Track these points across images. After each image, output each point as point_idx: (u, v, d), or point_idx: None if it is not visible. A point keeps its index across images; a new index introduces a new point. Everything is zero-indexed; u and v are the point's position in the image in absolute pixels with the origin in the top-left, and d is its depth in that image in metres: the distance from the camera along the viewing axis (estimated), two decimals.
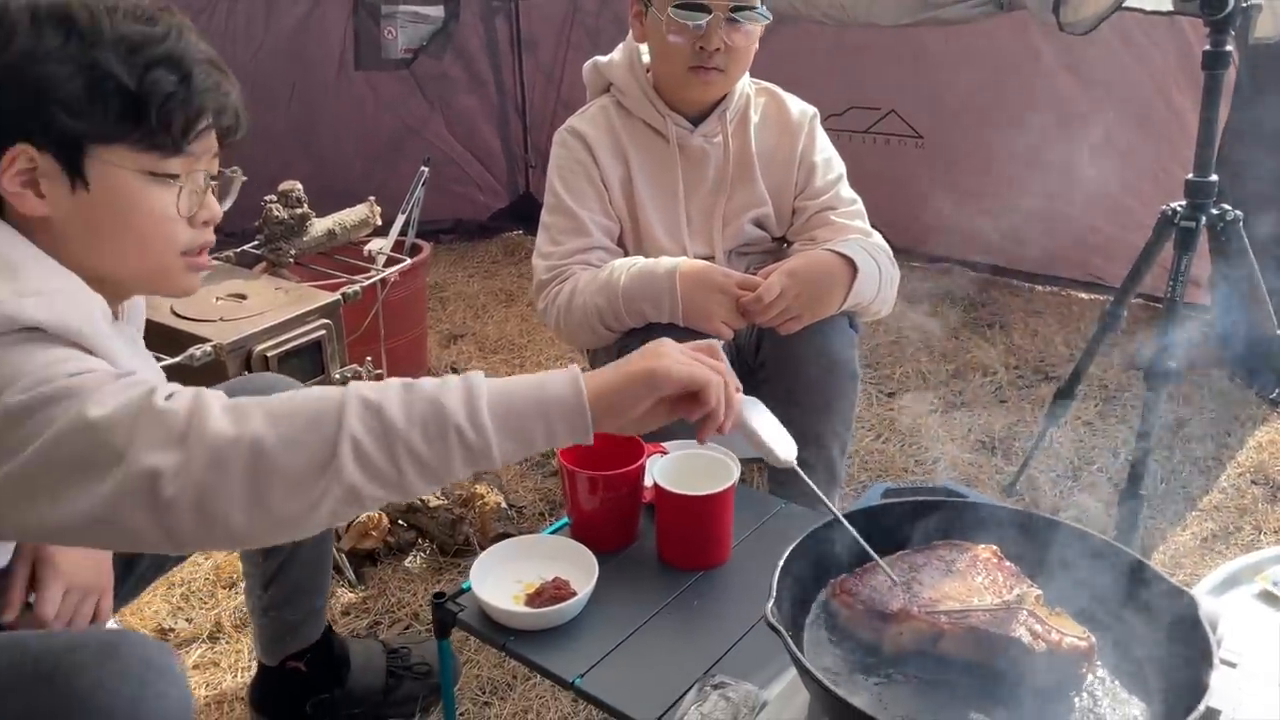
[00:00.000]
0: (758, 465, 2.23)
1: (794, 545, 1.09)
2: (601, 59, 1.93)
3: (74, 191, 1.02)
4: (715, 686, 1.12)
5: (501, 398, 0.95)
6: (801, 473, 1.16)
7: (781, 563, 1.06)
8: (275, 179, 2.26)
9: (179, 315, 1.86)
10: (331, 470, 0.88)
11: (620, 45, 1.91)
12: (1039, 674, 1.00)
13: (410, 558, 2.10)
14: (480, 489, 2.14)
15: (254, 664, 1.72)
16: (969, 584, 1.08)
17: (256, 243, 2.28)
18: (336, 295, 2.01)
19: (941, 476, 2.40)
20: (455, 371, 1.11)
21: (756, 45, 1.80)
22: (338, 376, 1.93)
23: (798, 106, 1.93)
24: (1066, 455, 2.46)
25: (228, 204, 1.17)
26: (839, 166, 1.93)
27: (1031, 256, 3.44)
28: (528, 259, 3.42)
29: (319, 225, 2.32)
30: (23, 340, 0.91)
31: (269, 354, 1.83)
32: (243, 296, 1.96)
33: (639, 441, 1.43)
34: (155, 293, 1.17)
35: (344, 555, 2.03)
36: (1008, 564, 1.12)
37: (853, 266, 1.70)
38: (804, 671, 0.95)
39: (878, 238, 1.85)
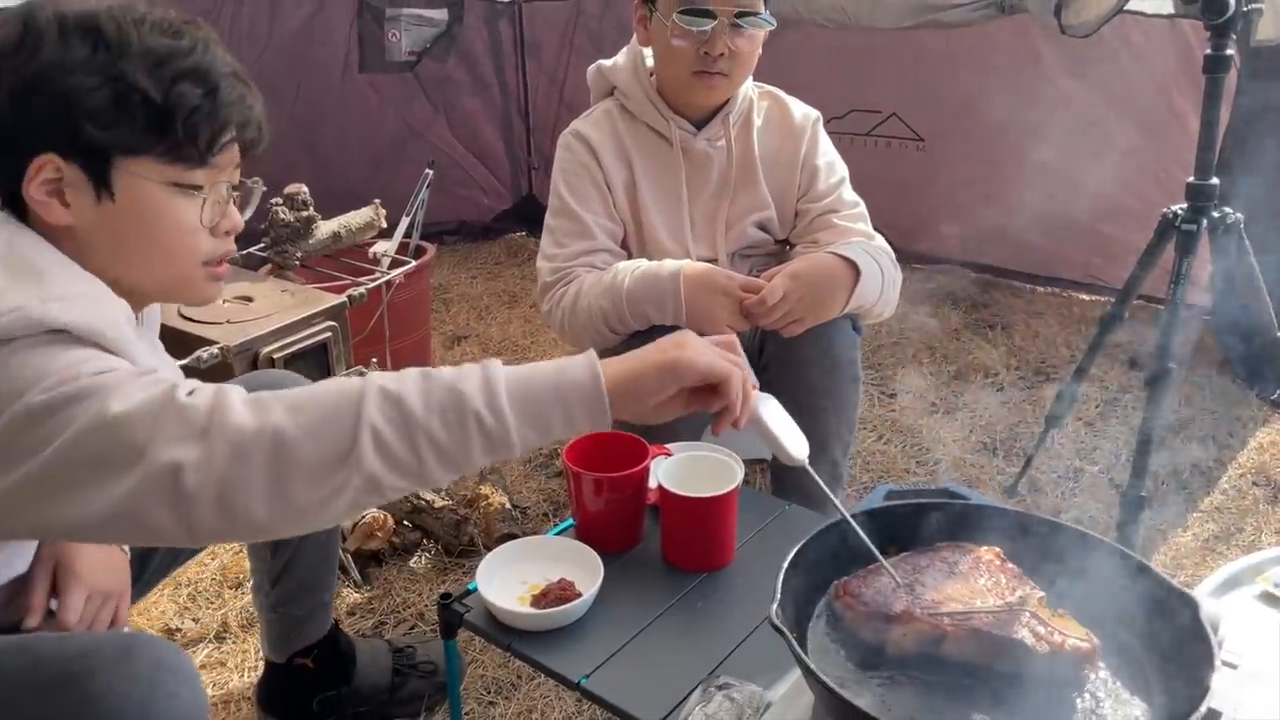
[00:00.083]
0: (760, 467, 2.24)
1: (798, 547, 1.10)
2: (605, 62, 1.94)
3: (99, 202, 1.03)
4: (720, 687, 1.12)
5: (520, 384, 0.96)
6: (812, 471, 1.17)
7: (785, 564, 1.07)
8: (279, 181, 2.27)
9: (186, 318, 1.88)
10: (352, 460, 0.89)
11: (624, 49, 1.92)
12: (1041, 675, 1.00)
13: (415, 558, 2.11)
14: (485, 489, 2.15)
15: (260, 664, 1.73)
16: (972, 585, 1.09)
17: (262, 245, 2.29)
18: (342, 297, 2.02)
19: (943, 477, 2.40)
20: None
21: (760, 50, 1.81)
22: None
23: (800, 110, 1.94)
24: (1068, 456, 2.46)
25: (248, 213, 1.18)
26: (841, 169, 1.94)
27: (1033, 258, 3.45)
28: (531, 260, 3.43)
29: (324, 228, 2.34)
30: (47, 342, 0.92)
31: (275, 356, 1.84)
32: (249, 299, 1.97)
33: (643, 443, 1.44)
34: (176, 301, 1.19)
35: (349, 556, 2.03)
36: (1010, 565, 1.12)
37: (855, 269, 1.71)
38: (808, 673, 0.96)
39: (880, 240, 1.86)
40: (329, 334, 1.97)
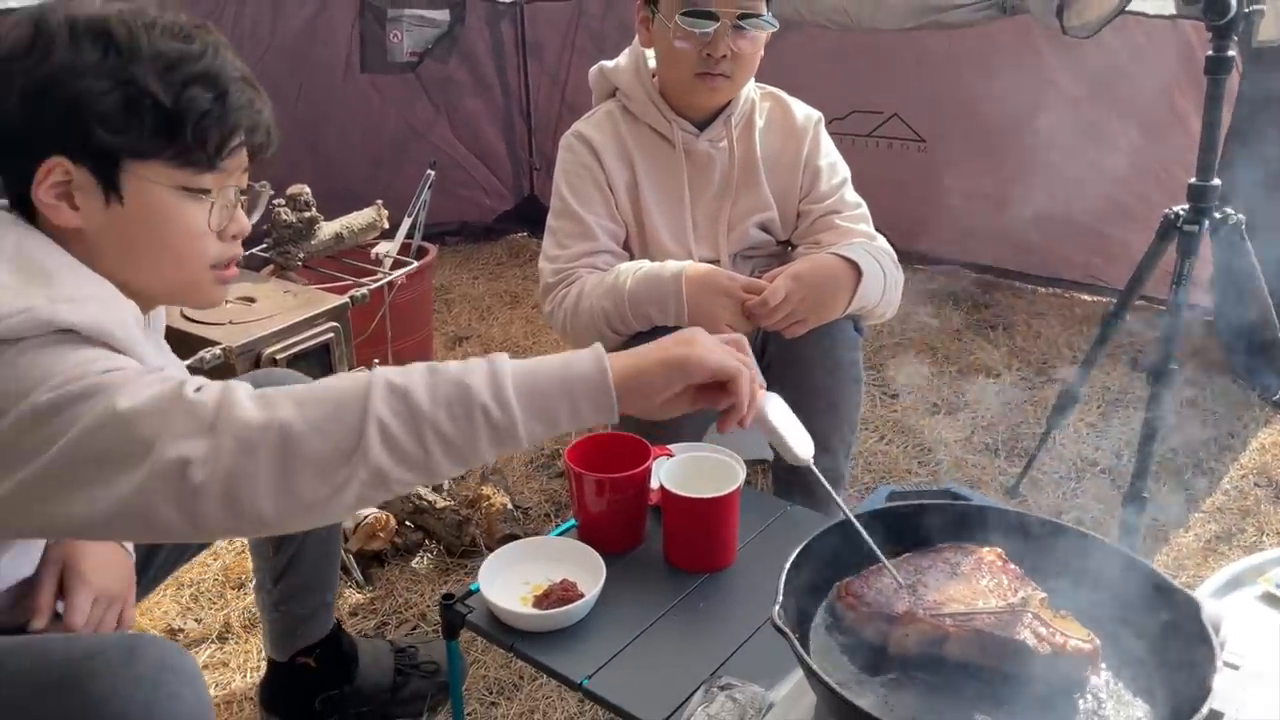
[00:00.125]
0: (762, 468, 2.24)
1: (800, 548, 1.10)
2: (607, 64, 1.94)
3: (108, 205, 1.03)
4: (722, 688, 1.13)
5: (526, 377, 0.96)
6: (817, 472, 1.17)
7: (787, 565, 1.07)
8: (282, 182, 2.27)
9: (189, 319, 1.88)
10: (358, 454, 0.89)
11: (626, 50, 1.92)
12: (1044, 676, 1.00)
13: (417, 559, 2.11)
14: (486, 490, 2.15)
15: (263, 664, 1.74)
16: (974, 587, 1.09)
17: (265, 246, 2.29)
18: (345, 298, 2.03)
19: (945, 478, 2.41)
20: None
21: (762, 51, 1.81)
22: None
23: (802, 111, 1.94)
24: (1069, 457, 2.46)
25: (255, 217, 1.19)
26: (843, 170, 1.95)
27: (1034, 258, 3.45)
28: (532, 261, 3.42)
29: (327, 229, 2.34)
30: (55, 342, 0.92)
31: (278, 357, 1.84)
32: (252, 300, 1.97)
33: (645, 444, 1.44)
34: (184, 304, 1.19)
35: (351, 556, 2.04)
36: (1012, 566, 1.12)
37: (857, 270, 1.71)
38: (810, 673, 0.96)
39: (882, 241, 1.86)
40: (331, 335, 1.97)
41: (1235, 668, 1.04)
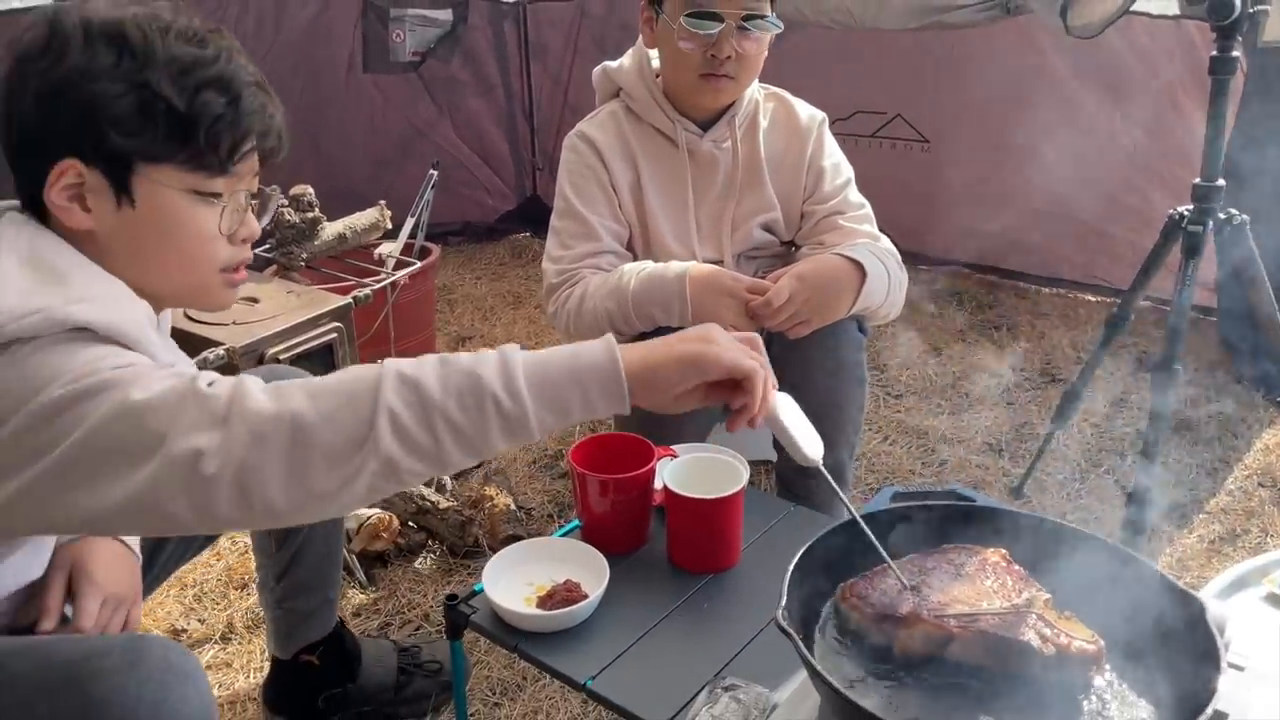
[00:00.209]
0: (766, 468, 2.24)
1: (804, 548, 1.10)
2: (611, 64, 1.94)
3: (120, 208, 1.04)
4: (726, 689, 1.13)
5: (537, 367, 0.97)
6: (826, 473, 1.17)
7: (792, 566, 1.07)
8: (284, 182, 2.27)
9: (192, 319, 1.88)
10: (369, 444, 0.90)
11: (630, 50, 1.92)
12: (1048, 677, 1.00)
13: (420, 559, 2.12)
14: (489, 490, 2.15)
15: (265, 665, 1.74)
16: (978, 587, 1.09)
17: (268, 246, 2.29)
18: (348, 299, 2.03)
19: (949, 479, 2.41)
20: None
21: (766, 52, 1.81)
22: None
23: (806, 111, 1.94)
24: (1073, 458, 2.46)
25: (265, 221, 1.19)
26: (847, 171, 1.94)
27: (1038, 259, 3.45)
28: (535, 261, 3.42)
29: (330, 229, 2.34)
30: (69, 340, 0.93)
31: (281, 357, 1.85)
32: (255, 300, 1.98)
33: (649, 444, 1.44)
34: (193, 306, 1.20)
35: (354, 557, 2.04)
36: (1016, 567, 1.12)
37: (861, 271, 1.71)
38: (815, 674, 0.96)
39: (886, 242, 1.86)
40: (334, 335, 1.98)
41: (1240, 669, 1.04)
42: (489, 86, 3.94)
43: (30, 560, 1.19)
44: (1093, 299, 3.39)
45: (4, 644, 1.06)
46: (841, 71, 3.47)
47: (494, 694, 1.75)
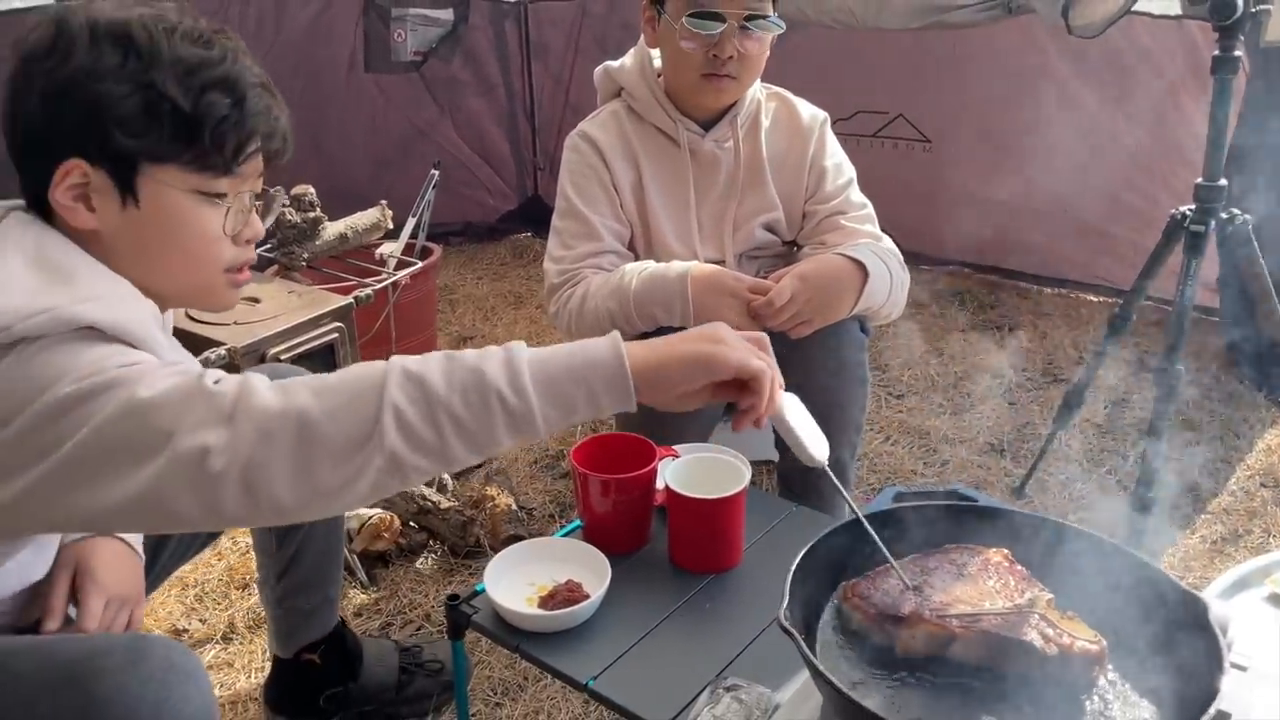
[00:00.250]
0: (768, 468, 2.24)
1: (806, 548, 1.10)
2: (613, 64, 1.94)
3: (124, 208, 1.04)
4: (728, 689, 1.12)
5: (543, 364, 0.97)
6: (831, 474, 1.17)
7: (794, 566, 1.07)
8: (285, 181, 2.27)
9: (194, 319, 1.88)
10: (374, 440, 0.90)
11: (631, 50, 1.92)
12: (1050, 677, 1.00)
13: (421, 559, 2.12)
14: (491, 490, 2.15)
15: (267, 664, 1.74)
16: (980, 587, 1.09)
17: (270, 246, 2.30)
18: (349, 299, 2.03)
19: (951, 479, 2.40)
20: None
21: (768, 52, 1.81)
22: None
23: (808, 111, 1.94)
24: (1075, 458, 2.46)
25: (269, 221, 1.20)
26: (849, 171, 1.94)
27: (1040, 259, 3.45)
28: (536, 261, 3.42)
29: (331, 229, 2.34)
30: (76, 338, 0.93)
31: (282, 357, 1.85)
32: (256, 300, 1.98)
33: (651, 444, 1.44)
34: (197, 307, 1.20)
35: (356, 557, 2.04)
36: (1019, 567, 1.12)
37: (863, 271, 1.70)
38: (817, 674, 0.96)
39: (888, 242, 1.86)
40: (335, 335, 1.98)
41: (1242, 669, 1.04)
42: (490, 86, 3.94)
43: (35, 559, 1.19)
44: (1094, 299, 3.39)
45: (7, 643, 1.06)
46: (843, 71, 3.47)
47: (495, 694, 1.75)
